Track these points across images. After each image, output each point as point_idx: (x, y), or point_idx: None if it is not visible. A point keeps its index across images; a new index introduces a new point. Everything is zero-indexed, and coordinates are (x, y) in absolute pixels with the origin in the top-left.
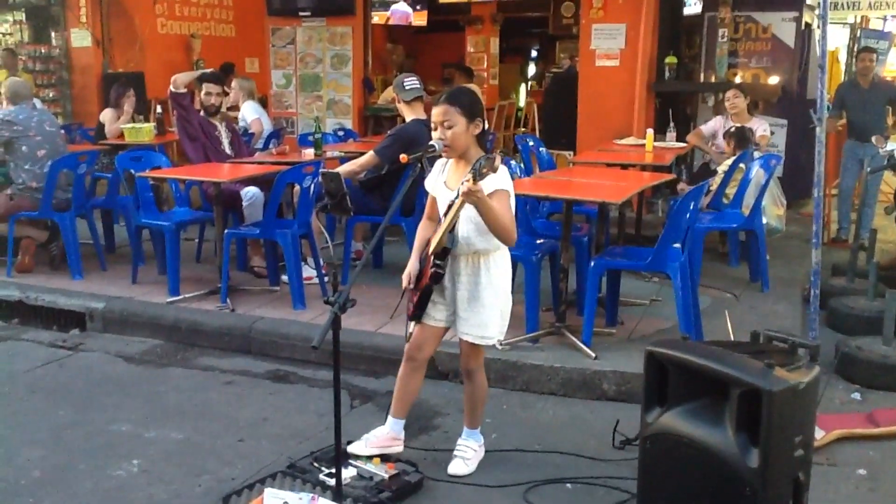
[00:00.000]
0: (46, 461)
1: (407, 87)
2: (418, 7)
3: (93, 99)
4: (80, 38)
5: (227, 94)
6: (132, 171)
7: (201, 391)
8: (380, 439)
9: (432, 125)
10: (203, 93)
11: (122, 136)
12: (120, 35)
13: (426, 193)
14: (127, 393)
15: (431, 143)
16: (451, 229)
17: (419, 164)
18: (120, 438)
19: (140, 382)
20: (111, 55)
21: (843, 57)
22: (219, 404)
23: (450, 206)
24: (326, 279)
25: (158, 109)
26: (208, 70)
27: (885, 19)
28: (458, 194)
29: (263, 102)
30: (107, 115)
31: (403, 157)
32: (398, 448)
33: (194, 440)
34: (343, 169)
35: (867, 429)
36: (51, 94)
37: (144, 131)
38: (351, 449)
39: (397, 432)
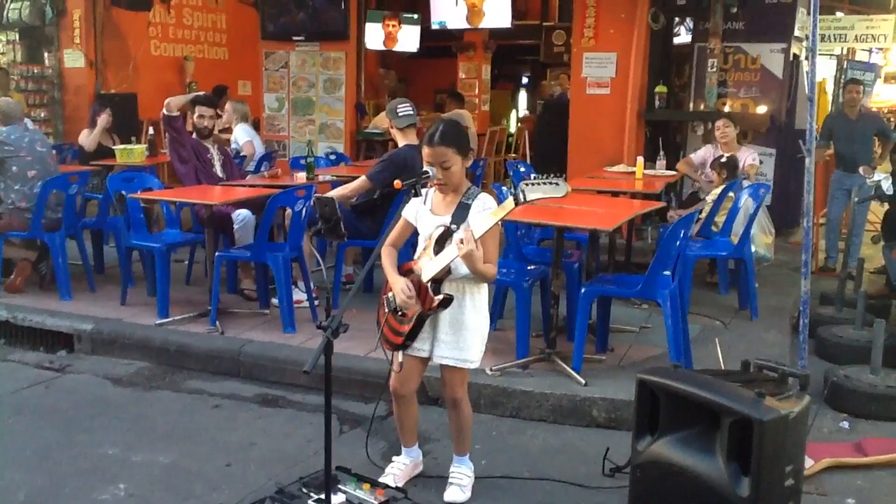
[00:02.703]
0: (32, 483)
1: (400, 114)
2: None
3: (84, 120)
4: (74, 59)
5: (219, 116)
6: (123, 192)
7: (189, 414)
8: (405, 472)
9: (428, 163)
10: (196, 115)
11: (113, 156)
12: (113, 56)
13: None
14: (114, 415)
15: (426, 169)
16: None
17: (413, 190)
18: (106, 461)
19: (127, 405)
20: (104, 76)
21: (830, 88)
22: (207, 428)
23: (444, 234)
24: (317, 302)
25: (150, 131)
26: (202, 93)
27: (870, 51)
28: (449, 227)
29: (256, 125)
30: (83, 136)
31: (398, 183)
32: (420, 469)
33: (182, 464)
34: (335, 193)
35: (856, 458)
36: (42, 115)
37: (136, 152)
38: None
39: (415, 458)
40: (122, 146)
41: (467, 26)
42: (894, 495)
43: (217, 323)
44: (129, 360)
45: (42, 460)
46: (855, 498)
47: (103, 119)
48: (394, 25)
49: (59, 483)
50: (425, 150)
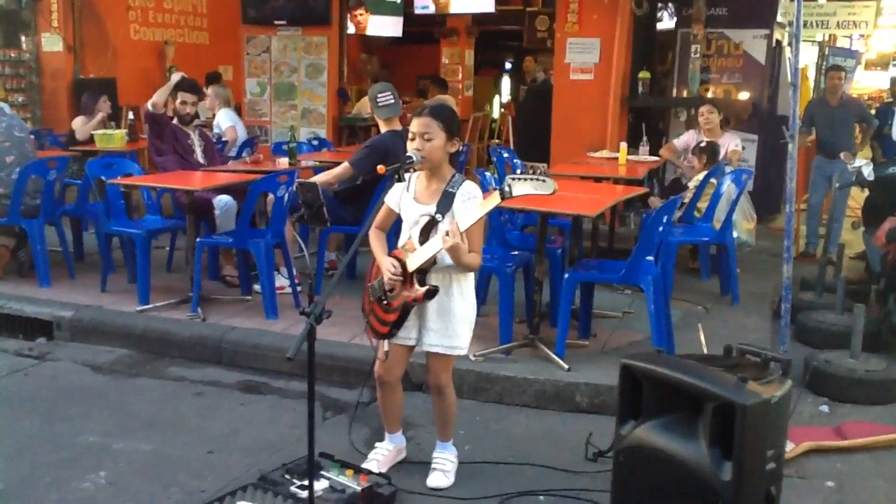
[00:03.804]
0: (11, 473)
1: (381, 104)
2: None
3: (63, 105)
4: (52, 43)
5: (201, 99)
6: (103, 178)
7: (171, 402)
8: (388, 457)
9: (410, 136)
10: (179, 101)
11: (92, 142)
12: (92, 41)
13: None
14: (94, 403)
15: (409, 154)
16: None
17: (396, 175)
18: (87, 450)
19: (108, 393)
20: (83, 61)
21: (811, 74)
22: (189, 415)
23: (427, 225)
24: (300, 289)
25: (130, 116)
26: (184, 77)
27: (851, 38)
28: (434, 217)
29: (238, 110)
30: (78, 123)
31: (381, 169)
32: (404, 455)
33: (163, 452)
34: (318, 179)
35: (836, 441)
36: (20, 99)
37: (116, 138)
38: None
39: (399, 444)
40: (101, 131)
41: (449, 11)
42: (873, 478)
43: (199, 310)
44: (110, 348)
45: (22, 449)
46: (834, 481)
47: (107, 107)
48: (361, 14)
49: (40, 472)
50: (412, 123)
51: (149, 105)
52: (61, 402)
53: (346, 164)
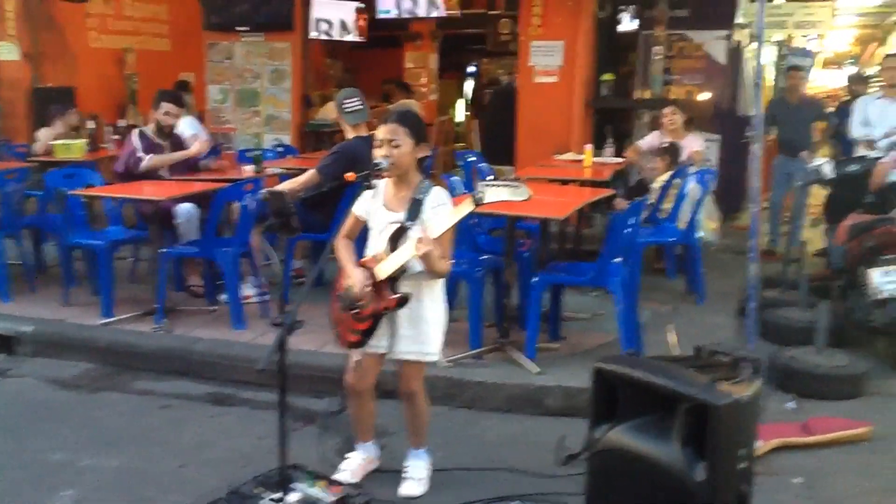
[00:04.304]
0: None
1: (347, 111)
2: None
3: (20, 114)
4: (8, 52)
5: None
6: (63, 189)
7: (138, 416)
8: (361, 467)
9: (377, 143)
10: (162, 112)
11: (50, 152)
12: (50, 49)
13: None
14: (60, 419)
15: (378, 160)
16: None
17: (366, 182)
18: (54, 467)
19: (74, 408)
20: (40, 69)
21: (770, 74)
22: (157, 429)
23: (398, 231)
24: (267, 297)
25: (91, 125)
26: (167, 91)
27: (807, 38)
28: (404, 224)
29: (200, 118)
30: (43, 134)
31: (350, 176)
32: (377, 464)
33: (133, 467)
34: (284, 187)
35: (803, 438)
36: None
37: (75, 148)
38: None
39: (371, 453)
40: (61, 141)
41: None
42: (841, 473)
43: (164, 321)
44: (74, 362)
45: None
46: (803, 477)
47: (73, 119)
48: None
49: (5, 492)
50: (379, 129)
51: (144, 166)
52: (26, 419)
53: (312, 171)
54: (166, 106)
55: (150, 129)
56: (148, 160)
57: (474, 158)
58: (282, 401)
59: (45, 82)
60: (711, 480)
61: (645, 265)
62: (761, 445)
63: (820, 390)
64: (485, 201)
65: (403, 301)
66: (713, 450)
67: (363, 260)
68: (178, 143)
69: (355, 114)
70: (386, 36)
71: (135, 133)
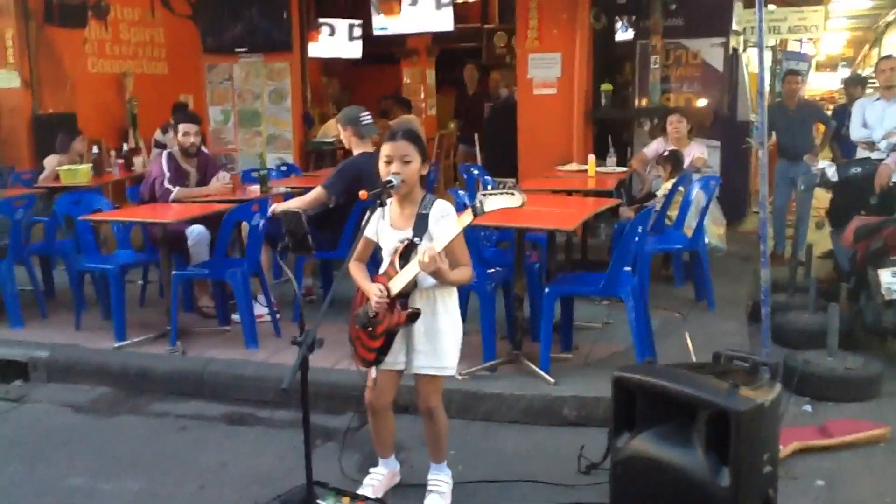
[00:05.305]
0: None
1: (364, 123)
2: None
3: (23, 141)
4: (8, 80)
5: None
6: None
7: (156, 438)
8: (383, 482)
9: (386, 160)
10: (181, 134)
11: (57, 178)
12: (49, 75)
13: None
14: (77, 444)
15: (390, 178)
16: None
17: (378, 200)
18: (74, 493)
19: (91, 433)
20: (40, 96)
21: (767, 78)
22: (175, 451)
23: (406, 249)
24: (278, 316)
25: (94, 150)
26: (184, 110)
27: (801, 42)
28: (412, 240)
29: (202, 139)
30: (51, 162)
31: (363, 194)
32: (398, 479)
33: (153, 490)
34: (292, 205)
35: (822, 440)
36: None
37: (81, 173)
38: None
39: (393, 468)
40: (66, 167)
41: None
42: (860, 475)
43: (178, 343)
44: (89, 386)
45: (6, 496)
46: (824, 479)
47: (80, 147)
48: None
49: None
50: (386, 146)
51: (174, 198)
52: (43, 445)
53: (319, 189)
54: (184, 127)
55: (176, 152)
56: (176, 192)
57: (478, 172)
58: (306, 419)
59: (45, 109)
60: (737, 486)
61: (652, 273)
62: (782, 450)
63: (834, 393)
64: (484, 211)
65: (414, 316)
66: (737, 455)
67: (378, 276)
68: (204, 162)
69: (369, 126)
70: (382, 52)
71: (164, 156)
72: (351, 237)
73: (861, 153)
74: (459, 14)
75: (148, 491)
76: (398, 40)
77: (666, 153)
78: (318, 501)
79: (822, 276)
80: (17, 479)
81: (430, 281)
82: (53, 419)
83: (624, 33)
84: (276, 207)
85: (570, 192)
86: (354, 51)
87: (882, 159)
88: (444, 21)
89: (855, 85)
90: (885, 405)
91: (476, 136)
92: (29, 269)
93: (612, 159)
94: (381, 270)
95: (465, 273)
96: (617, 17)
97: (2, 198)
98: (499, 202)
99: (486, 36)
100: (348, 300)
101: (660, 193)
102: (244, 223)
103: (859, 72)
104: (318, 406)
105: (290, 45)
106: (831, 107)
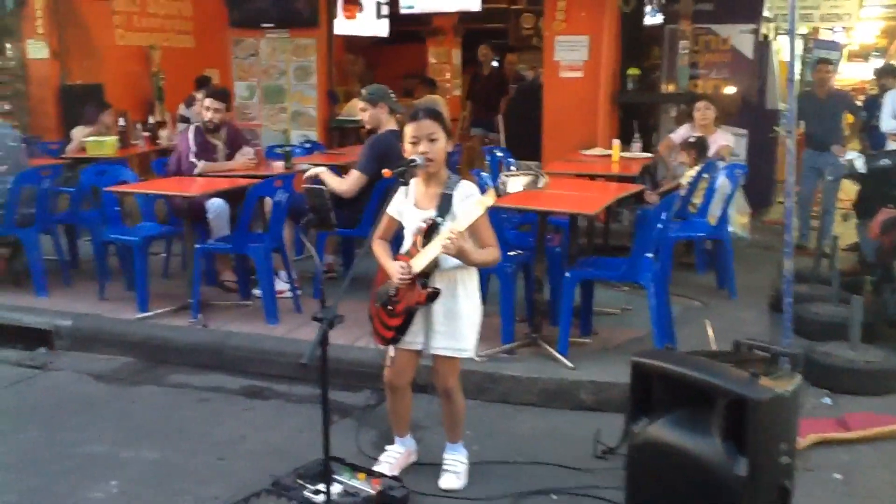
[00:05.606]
0: (21, 484)
1: (395, 99)
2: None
3: (50, 112)
4: (37, 50)
5: (228, 110)
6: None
7: (175, 409)
8: (399, 460)
9: (413, 140)
10: (205, 107)
11: (83, 149)
12: (77, 46)
13: None
14: (98, 412)
15: (414, 157)
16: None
17: (401, 179)
18: (94, 459)
19: (111, 401)
20: (68, 67)
21: (797, 67)
22: (194, 422)
23: (429, 229)
24: (299, 292)
25: (121, 122)
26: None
27: (833, 30)
28: (435, 220)
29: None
30: (78, 133)
31: (387, 172)
32: (414, 458)
33: (171, 460)
34: (332, 183)
35: (840, 433)
36: (6, 107)
37: (107, 145)
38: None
39: (410, 447)
40: (92, 138)
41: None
42: (878, 469)
43: (199, 316)
44: (111, 356)
45: (28, 460)
46: (841, 472)
47: (108, 120)
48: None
49: (50, 483)
50: (410, 127)
51: (198, 173)
52: (65, 412)
53: (357, 174)
54: (211, 102)
55: (202, 125)
56: (200, 166)
57: (502, 154)
58: (324, 395)
59: (72, 80)
60: (753, 475)
61: (674, 260)
62: (799, 441)
63: (854, 386)
64: (507, 191)
65: (433, 296)
66: (755, 445)
67: (399, 255)
68: (233, 137)
69: (396, 104)
70: (408, 31)
71: (191, 130)
72: (373, 214)
73: (891, 145)
74: None
75: (166, 460)
76: (424, 19)
77: (692, 139)
78: (334, 476)
79: (846, 268)
80: (38, 444)
81: (452, 261)
82: (75, 387)
83: (653, 17)
84: (316, 172)
85: (593, 177)
86: (381, 29)
87: None
88: (470, 0)
89: (887, 75)
90: None
91: (499, 117)
92: (55, 239)
93: (637, 144)
94: (404, 250)
95: (491, 253)
96: (646, 1)
97: (29, 167)
98: (522, 183)
99: (513, 17)
100: (369, 278)
101: (684, 181)
102: (267, 198)
103: (892, 62)
104: (336, 382)
105: (317, 21)
106: (862, 97)
